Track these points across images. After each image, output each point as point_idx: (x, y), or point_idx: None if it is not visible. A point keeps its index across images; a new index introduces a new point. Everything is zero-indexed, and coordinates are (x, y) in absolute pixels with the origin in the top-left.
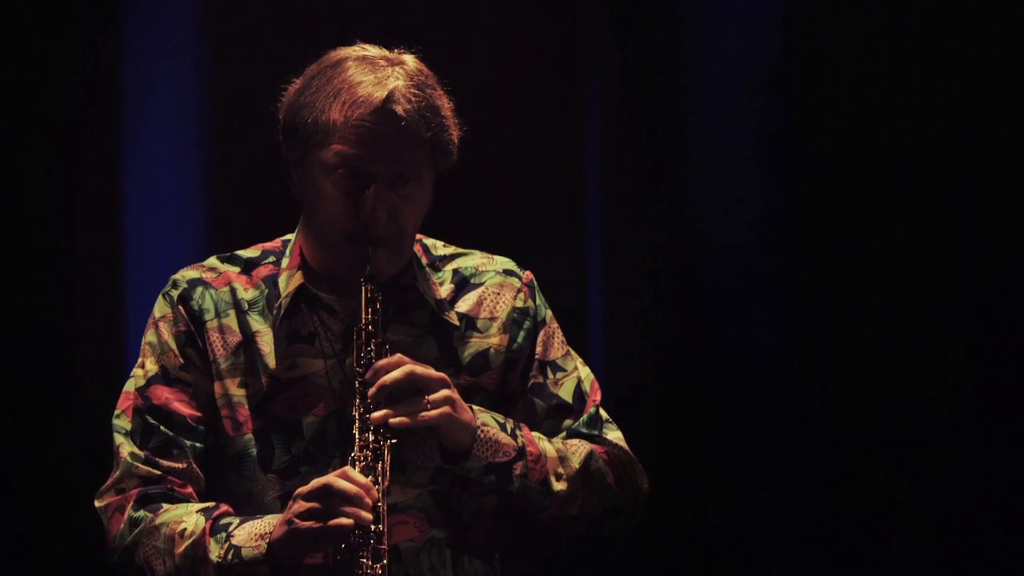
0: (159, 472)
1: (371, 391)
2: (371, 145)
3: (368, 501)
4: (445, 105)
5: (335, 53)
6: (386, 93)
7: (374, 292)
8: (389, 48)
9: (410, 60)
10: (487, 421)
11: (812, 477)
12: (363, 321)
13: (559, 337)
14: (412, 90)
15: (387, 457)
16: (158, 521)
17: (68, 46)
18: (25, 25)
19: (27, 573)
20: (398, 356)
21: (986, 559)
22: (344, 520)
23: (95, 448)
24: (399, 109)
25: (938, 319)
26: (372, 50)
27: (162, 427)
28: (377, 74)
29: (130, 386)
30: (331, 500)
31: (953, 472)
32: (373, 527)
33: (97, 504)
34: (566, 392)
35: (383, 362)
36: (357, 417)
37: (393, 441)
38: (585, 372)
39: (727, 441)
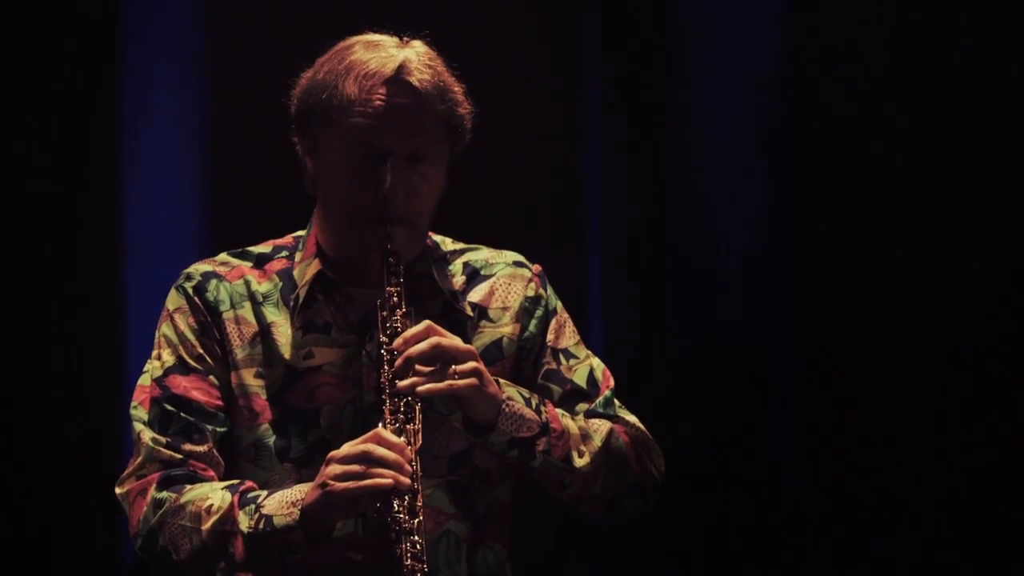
0: (181, 456)
1: (398, 362)
2: (386, 117)
3: (406, 465)
4: (456, 84)
5: (345, 40)
6: (398, 64)
7: (396, 265)
8: (399, 37)
9: (419, 43)
10: (513, 396)
11: (814, 470)
12: (387, 293)
13: (570, 327)
14: (424, 63)
15: (419, 418)
16: (183, 500)
17: (68, 46)
18: (25, 25)
19: (27, 571)
20: (426, 323)
21: (987, 558)
22: (382, 480)
23: (96, 446)
24: (412, 79)
25: (938, 314)
26: (381, 36)
27: (182, 413)
28: (388, 51)
29: (146, 379)
30: (368, 463)
31: (953, 465)
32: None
33: (118, 491)
34: (580, 378)
35: (412, 331)
36: (386, 385)
37: (420, 402)
38: (597, 361)
39: (728, 439)
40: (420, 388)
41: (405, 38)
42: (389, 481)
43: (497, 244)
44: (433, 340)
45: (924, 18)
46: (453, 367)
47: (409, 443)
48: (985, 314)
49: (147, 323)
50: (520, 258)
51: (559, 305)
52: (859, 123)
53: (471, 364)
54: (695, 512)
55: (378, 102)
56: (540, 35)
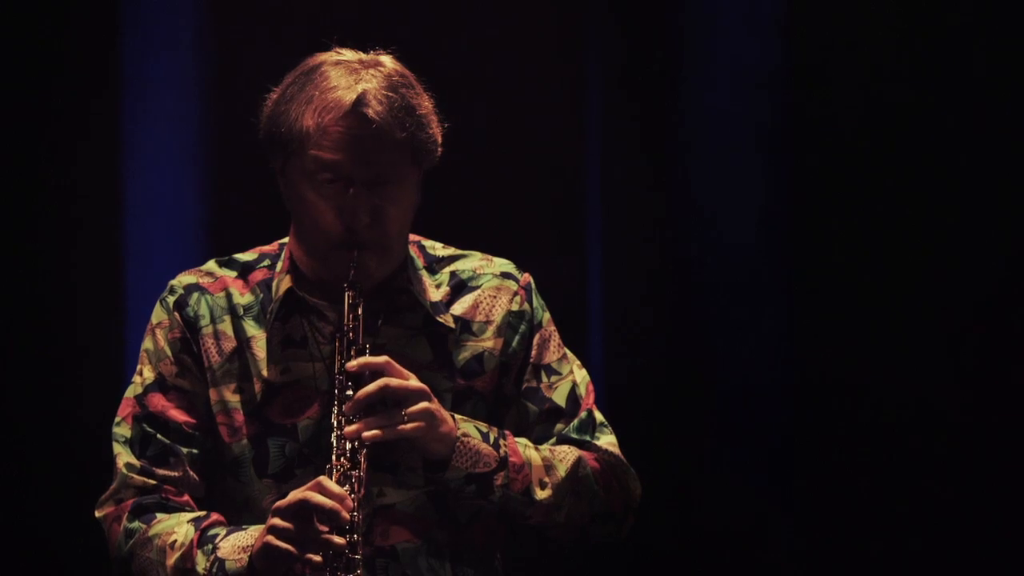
0: (154, 482)
1: (346, 406)
2: (345, 149)
3: (344, 515)
4: (423, 104)
5: (311, 59)
6: (356, 96)
7: (356, 298)
8: (366, 50)
9: (387, 61)
10: (468, 432)
11: (811, 479)
12: (345, 328)
13: (555, 340)
14: (384, 91)
15: (363, 465)
16: (151, 532)
17: (68, 45)
18: (25, 24)
19: None
20: (384, 358)
21: (985, 560)
22: (314, 557)
23: (95, 453)
24: (370, 111)
25: (939, 318)
26: (347, 54)
27: (159, 435)
28: (350, 77)
29: (130, 393)
30: (306, 517)
31: (952, 473)
32: (347, 538)
33: (97, 514)
34: (559, 396)
35: (365, 362)
36: (335, 425)
37: (365, 448)
38: (581, 376)
39: (727, 441)
40: (365, 435)
41: (373, 52)
42: (318, 559)
43: (495, 247)
44: (381, 382)
45: (924, 17)
46: (404, 410)
47: (352, 492)
48: (986, 314)
49: (147, 324)
50: (509, 268)
51: (545, 317)
52: (859, 123)
53: (422, 405)
54: (693, 519)
55: (336, 134)
56: (540, 35)
